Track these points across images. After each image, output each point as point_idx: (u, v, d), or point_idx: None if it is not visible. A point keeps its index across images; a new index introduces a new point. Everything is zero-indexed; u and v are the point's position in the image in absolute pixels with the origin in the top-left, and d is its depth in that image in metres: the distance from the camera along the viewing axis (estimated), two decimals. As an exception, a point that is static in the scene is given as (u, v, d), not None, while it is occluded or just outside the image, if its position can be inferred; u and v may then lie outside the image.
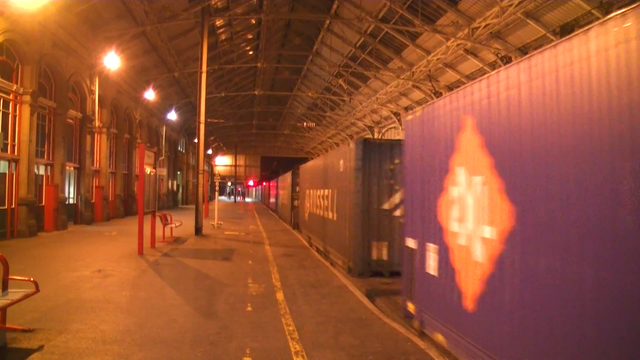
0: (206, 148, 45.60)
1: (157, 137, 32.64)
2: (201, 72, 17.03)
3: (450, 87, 25.58)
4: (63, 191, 17.39)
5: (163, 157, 31.56)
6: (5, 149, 13.81)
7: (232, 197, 70.67)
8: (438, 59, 22.72)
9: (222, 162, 71.51)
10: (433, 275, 5.23)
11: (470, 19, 18.87)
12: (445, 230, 4.99)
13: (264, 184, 60.40)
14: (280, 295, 7.36)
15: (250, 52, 32.66)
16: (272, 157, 71.79)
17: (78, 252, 11.33)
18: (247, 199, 74.38)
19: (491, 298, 3.99)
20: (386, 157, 9.67)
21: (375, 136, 39.82)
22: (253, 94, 38.46)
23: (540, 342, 3.29)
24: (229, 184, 74.33)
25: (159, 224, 13.37)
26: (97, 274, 8.62)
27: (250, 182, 74.11)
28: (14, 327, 5.03)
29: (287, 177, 24.26)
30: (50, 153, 16.97)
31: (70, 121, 18.80)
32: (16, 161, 14.24)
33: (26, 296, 5.05)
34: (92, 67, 19.21)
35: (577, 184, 2.99)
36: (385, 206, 9.61)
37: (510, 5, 16.50)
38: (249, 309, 6.53)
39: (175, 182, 39.58)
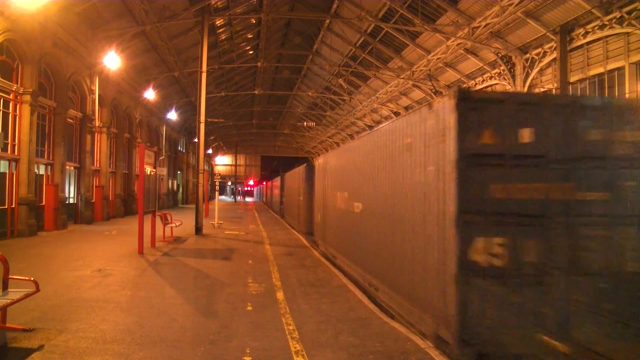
0: (206, 147, 45.62)
1: (157, 136, 32.63)
2: (201, 72, 17.03)
3: (450, 87, 25.58)
4: (63, 191, 17.39)
5: (163, 157, 31.55)
6: (5, 149, 13.80)
7: (233, 196, 70.68)
8: (438, 58, 22.71)
9: (222, 162, 71.48)
10: None
11: (470, 19, 18.87)
12: None
13: (264, 183, 60.32)
14: (280, 295, 7.36)
15: (250, 52, 32.65)
16: (272, 156, 71.76)
17: (78, 252, 11.33)
18: (248, 199, 74.39)
19: None
20: None
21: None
22: (253, 93, 38.45)
23: None
24: (229, 183, 74.33)
25: (159, 223, 13.37)
26: (97, 274, 8.62)
27: (251, 182, 74.09)
28: (14, 327, 5.03)
29: (298, 175, 19.24)
30: (51, 153, 16.97)
31: (71, 121, 18.79)
32: (16, 161, 14.24)
33: (26, 296, 5.05)
34: (92, 67, 19.21)
35: None
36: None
37: (510, 4, 16.50)
38: (249, 308, 6.53)
39: (175, 182, 39.57)
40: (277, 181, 34.38)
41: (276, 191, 33.90)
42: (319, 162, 14.26)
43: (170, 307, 6.52)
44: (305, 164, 17.97)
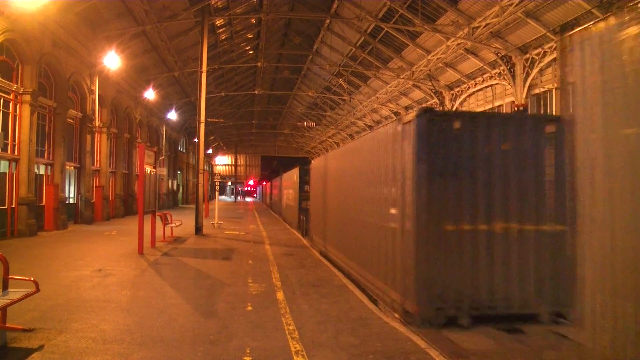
0: (206, 147, 45.62)
1: (157, 136, 32.63)
2: (201, 72, 17.02)
3: (450, 87, 25.60)
4: (63, 191, 17.39)
5: (163, 157, 31.56)
6: (5, 149, 13.80)
7: (233, 196, 70.74)
8: (438, 58, 22.70)
9: (222, 162, 71.49)
10: None
11: (470, 19, 18.87)
12: None
13: (264, 183, 60.27)
14: (280, 295, 7.36)
15: (250, 52, 32.65)
16: (272, 156, 71.79)
17: (78, 252, 11.34)
18: (248, 199, 74.44)
19: None
20: None
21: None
22: (253, 93, 38.47)
23: None
24: (229, 183, 74.36)
25: (159, 223, 13.37)
26: (97, 274, 8.63)
27: (251, 182, 74.12)
28: (14, 327, 5.03)
29: (383, 148, 7.34)
30: (51, 153, 16.97)
31: (71, 121, 18.79)
32: (16, 161, 14.24)
33: (26, 296, 5.05)
34: (92, 67, 19.21)
35: None
36: None
37: (510, 4, 16.50)
38: (249, 308, 6.53)
39: (175, 182, 39.57)
40: (288, 179, 23.92)
41: (288, 192, 23.62)
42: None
43: (170, 307, 6.52)
44: (394, 120, 7.17)
